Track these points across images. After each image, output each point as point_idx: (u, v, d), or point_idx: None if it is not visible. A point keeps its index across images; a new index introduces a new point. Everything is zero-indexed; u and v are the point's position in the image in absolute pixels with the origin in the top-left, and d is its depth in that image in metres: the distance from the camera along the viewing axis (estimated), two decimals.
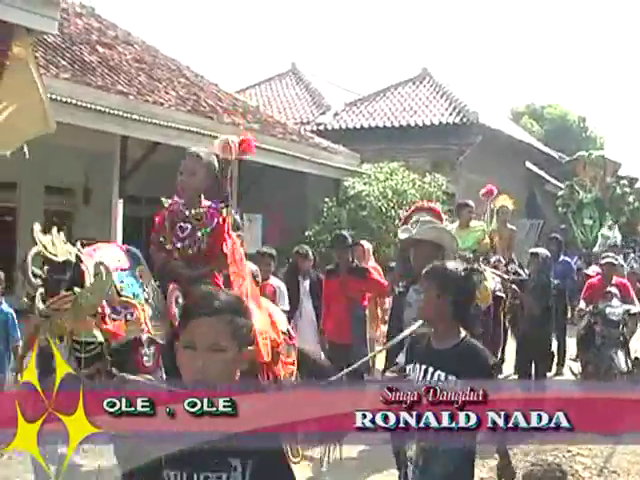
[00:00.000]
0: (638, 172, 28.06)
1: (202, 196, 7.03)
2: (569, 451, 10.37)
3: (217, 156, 7.24)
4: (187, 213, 6.92)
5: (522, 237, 26.24)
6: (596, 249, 19.24)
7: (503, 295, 12.77)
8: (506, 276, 13.15)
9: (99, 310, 5.65)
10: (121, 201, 15.99)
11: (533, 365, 12.54)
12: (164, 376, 6.02)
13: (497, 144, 29.84)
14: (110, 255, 6.08)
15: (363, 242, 13.44)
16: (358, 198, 21.39)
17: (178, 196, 7.07)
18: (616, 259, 13.97)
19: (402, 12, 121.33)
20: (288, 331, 7.83)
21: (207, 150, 7.34)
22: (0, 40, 10.68)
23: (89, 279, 5.67)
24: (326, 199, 21.43)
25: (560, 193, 21.34)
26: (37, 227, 5.61)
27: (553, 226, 29.85)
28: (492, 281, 12.10)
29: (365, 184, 22.00)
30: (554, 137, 48.53)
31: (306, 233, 20.12)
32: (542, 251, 13.15)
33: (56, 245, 5.66)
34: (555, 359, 15.89)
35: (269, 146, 19.94)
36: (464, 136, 28.18)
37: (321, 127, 29.64)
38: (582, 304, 12.97)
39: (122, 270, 6.08)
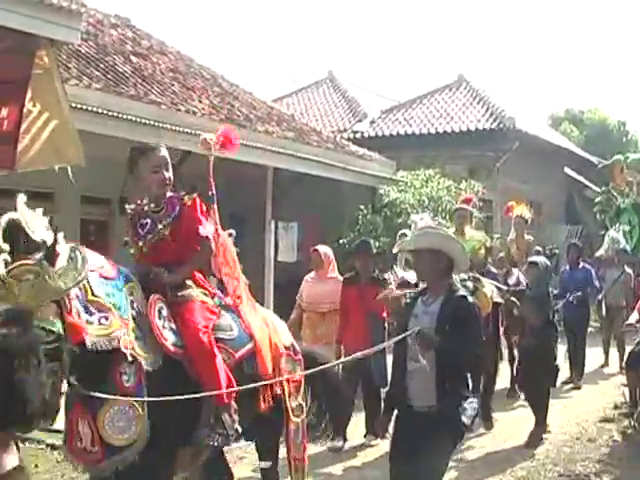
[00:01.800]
0: None
1: (167, 192, 6.48)
2: (600, 461, 10.24)
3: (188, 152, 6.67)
4: (146, 208, 6.39)
5: (561, 242, 26.06)
6: (601, 252, 18.82)
7: (502, 300, 12.38)
8: (504, 287, 12.80)
9: (66, 301, 5.02)
10: None
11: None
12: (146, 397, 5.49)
13: (534, 150, 29.67)
14: (94, 257, 5.48)
15: (320, 247, 12.81)
16: (394, 205, 21.31)
17: (143, 196, 6.51)
18: None
19: (438, 18, 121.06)
20: (292, 346, 7.32)
21: (162, 146, 6.67)
22: (24, 52, 10.71)
23: (62, 262, 5.01)
24: (361, 207, 21.35)
25: (597, 199, 20.94)
26: (22, 198, 5.05)
27: (592, 232, 29.61)
28: (489, 287, 11.76)
29: (401, 191, 21.92)
30: (594, 142, 48.04)
31: (341, 241, 20.03)
32: (541, 260, 12.40)
33: (36, 222, 5.12)
34: (568, 372, 15.71)
35: (304, 154, 19.92)
36: (501, 142, 28.00)
37: (358, 135, 29.56)
38: (634, 316, 11.51)
39: (103, 277, 5.49)
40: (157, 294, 5.95)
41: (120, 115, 14.13)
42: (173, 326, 5.88)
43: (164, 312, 5.89)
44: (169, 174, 6.33)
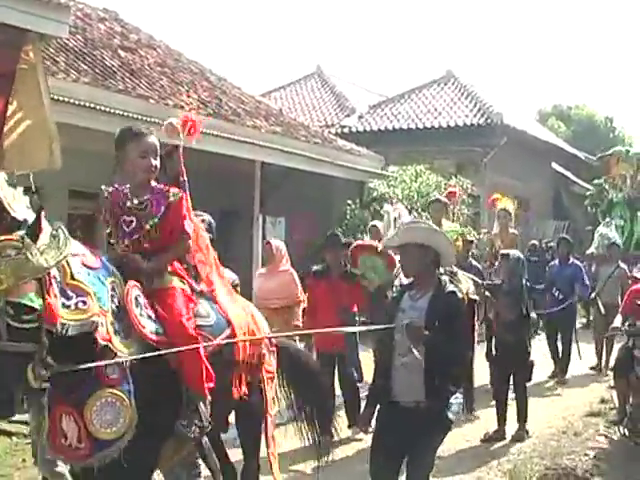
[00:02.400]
0: None
1: (152, 181, 6.21)
2: (586, 454, 10.29)
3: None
4: (129, 204, 6.06)
5: (549, 238, 26.11)
6: (592, 250, 17.88)
7: (477, 297, 12.08)
8: (479, 280, 12.45)
9: (47, 280, 4.81)
10: None
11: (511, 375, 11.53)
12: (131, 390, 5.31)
13: (522, 145, 29.74)
14: (77, 245, 5.26)
15: (273, 240, 12.71)
16: (382, 200, 21.29)
17: (124, 182, 6.20)
18: None
19: (427, 14, 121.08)
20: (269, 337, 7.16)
21: (149, 130, 6.35)
22: (13, 45, 10.62)
23: (44, 240, 4.81)
24: (350, 201, 21.37)
25: (589, 192, 20.80)
26: (2, 176, 4.96)
27: (580, 227, 29.71)
28: (465, 283, 11.48)
29: (389, 186, 21.94)
30: (581, 138, 48.27)
31: None
32: (513, 253, 11.96)
33: (17, 201, 5.02)
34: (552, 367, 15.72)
35: (292, 149, 19.93)
36: (489, 137, 28.06)
37: (345, 130, 29.60)
38: (618, 320, 11.16)
39: (85, 265, 5.24)
40: (133, 282, 5.69)
41: (108, 109, 14.11)
42: (151, 314, 5.68)
43: (141, 300, 5.66)
44: (156, 162, 6.09)
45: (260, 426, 7.01)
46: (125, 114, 14.20)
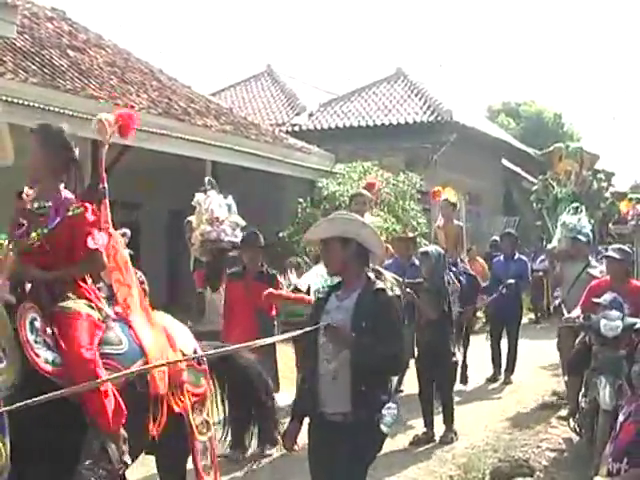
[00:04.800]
0: (614, 169, 27.95)
1: (60, 185, 5.68)
2: (538, 447, 10.43)
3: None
4: (29, 207, 5.60)
5: (499, 233, 26.27)
6: (554, 244, 14.36)
7: (399, 294, 11.57)
8: (400, 278, 11.18)
9: None
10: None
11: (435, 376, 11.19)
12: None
13: (472, 142, 29.93)
14: None
15: None
16: (332, 198, 21.33)
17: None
18: (624, 251, 10.69)
19: (376, 12, 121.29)
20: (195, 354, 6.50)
21: (59, 126, 5.90)
22: None
23: None
24: (300, 200, 21.41)
25: (534, 188, 20.84)
26: None
27: (529, 223, 29.93)
28: (390, 281, 10.97)
29: (339, 184, 21.97)
30: (531, 134, 48.59)
31: (281, 234, 20.10)
32: (434, 249, 11.57)
33: None
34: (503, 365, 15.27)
35: (243, 148, 19.95)
36: (439, 134, 28.26)
37: (296, 128, 29.70)
38: (575, 312, 10.65)
39: None
40: (29, 303, 5.23)
41: (57, 110, 14.03)
42: (50, 341, 5.16)
43: (37, 324, 5.14)
44: (31, 163, 5.64)
45: (184, 462, 6.47)
46: (75, 114, 14.13)
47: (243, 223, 10.86)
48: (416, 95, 30.82)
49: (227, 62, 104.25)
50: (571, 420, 10.71)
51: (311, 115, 31.02)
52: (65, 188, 5.71)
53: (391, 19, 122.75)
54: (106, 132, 6.52)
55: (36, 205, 5.59)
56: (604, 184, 21.11)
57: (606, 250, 12.87)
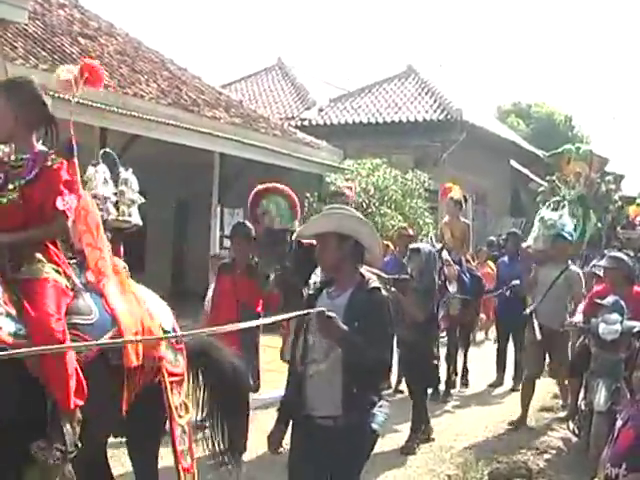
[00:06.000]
0: (624, 172, 27.88)
1: (35, 139, 5.33)
2: (537, 449, 10.39)
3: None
4: (6, 159, 5.25)
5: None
6: (529, 242, 13.12)
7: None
8: (385, 275, 10.48)
9: None
10: None
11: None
12: None
13: (481, 142, 29.84)
14: None
15: None
16: (337, 195, 21.24)
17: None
18: (617, 259, 10.31)
19: (389, 8, 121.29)
20: (174, 331, 6.06)
21: (28, 78, 5.48)
22: None
23: None
24: (308, 194, 21.37)
25: (540, 189, 20.67)
26: None
27: None
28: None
29: (347, 180, 21.92)
30: (540, 136, 48.46)
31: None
32: (424, 247, 10.99)
33: None
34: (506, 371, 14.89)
35: (252, 141, 19.93)
36: (448, 133, 28.15)
37: (305, 122, 29.65)
38: (577, 317, 10.43)
39: None
40: None
41: (66, 97, 13.99)
42: (12, 311, 4.78)
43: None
44: (37, 113, 5.30)
45: (158, 443, 6.09)
46: (84, 102, 14.10)
47: (140, 200, 9.89)
48: (426, 93, 30.73)
49: (238, 54, 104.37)
50: (570, 422, 10.70)
51: (321, 110, 30.93)
52: (41, 143, 5.41)
53: (404, 17, 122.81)
54: (72, 88, 6.14)
55: (13, 157, 5.27)
56: (612, 186, 20.97)
57: None
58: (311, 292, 6.47)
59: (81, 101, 14.04)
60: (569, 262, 11.96)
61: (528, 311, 11.98)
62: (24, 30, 15.75)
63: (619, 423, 5.83)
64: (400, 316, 9.92)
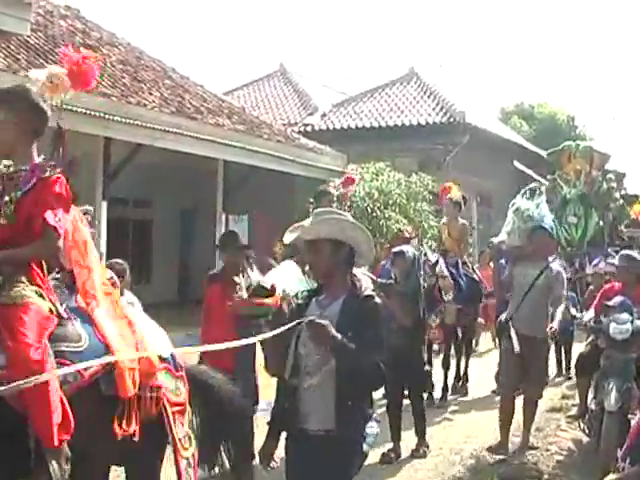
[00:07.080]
0: (627, 170, 27.87)
1: (34, 150, 5.06)
2: (547, 450, 10.38)
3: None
4: (4, 170, 4.93)
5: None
6: (502, 237, 11.11)
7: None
8: (376, 278, 10.71)
9: None
10: (105, 203, 15.95)
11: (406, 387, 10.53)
12: None
13: (484, 144, 29.83)
14: None
15: None
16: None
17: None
18: (630, 258, 10.02)
19: (390, 12, 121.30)
20: (173, 359, 5.67)
21: (25, 87, 5.18)
22: None
23: None
24: (312, 200, 21.37)
25: (541, 188, 20.63)
26: None
27: None
28: (365, 282, 10.20)
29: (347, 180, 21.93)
30: (543, 136, 48.43)
31: None
32: (408, 249, 10.65)
33: None
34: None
35: (255, 147, 19.94)
36: (451, 136, 28.17)
37: (308, 128, 29.67)
38: (587, 315, 10.35)
39: None
40: None
41: (69, 107, 14.01)
42: None
43: None
44: (35, 123, 5.03)
45: (153, 471, 5.72)
46: (87, 112, 14.15)
47: None
48: (429, 96, 30.74)
49: (240, 61, 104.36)
50: (580, 421, 10.68)
51: (323, 115, 30.97)
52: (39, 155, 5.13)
53: (404, 20, 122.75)
54: (57, 89, 5.26)
55: (12, 169, 4.96)
56: (614, 184, 20.86)
57: (617, 253, 12.54)
58: (299, 302, 6.09)
59: (84, 111, 14.27)
60: (549, 259, 10.54)
61: (503, 318, 10.45)
62: (26, 42, 15.79)
63: (634, 422, 5.89)
64: (390, 321, 9.55)
